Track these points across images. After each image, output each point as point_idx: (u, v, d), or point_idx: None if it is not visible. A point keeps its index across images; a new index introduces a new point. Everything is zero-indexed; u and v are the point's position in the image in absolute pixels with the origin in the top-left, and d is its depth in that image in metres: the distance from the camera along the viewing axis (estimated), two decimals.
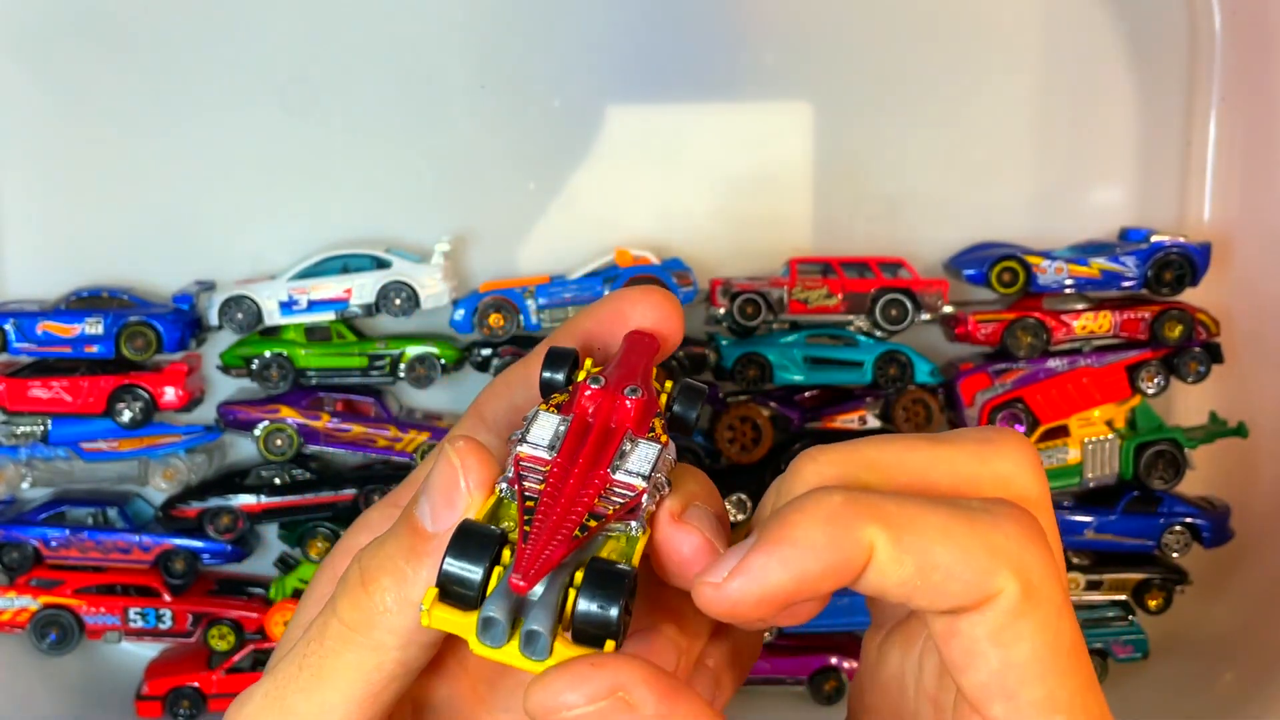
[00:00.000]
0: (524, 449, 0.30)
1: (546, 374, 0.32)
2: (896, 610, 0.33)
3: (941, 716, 0.31)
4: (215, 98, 0.86)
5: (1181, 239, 0.85)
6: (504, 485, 0.30)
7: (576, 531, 0.28)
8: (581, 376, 0.32)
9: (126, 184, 0.87)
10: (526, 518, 0.28)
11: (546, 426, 0.30)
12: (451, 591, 0.28)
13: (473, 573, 0.27)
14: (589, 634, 0.27)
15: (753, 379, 0.85)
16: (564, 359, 0.32)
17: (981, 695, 0.27)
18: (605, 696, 0.26)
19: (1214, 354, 0.87)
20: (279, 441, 0.86)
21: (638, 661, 0.27)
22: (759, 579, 0.27)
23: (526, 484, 0.29)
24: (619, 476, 0.29)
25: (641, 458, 0.30)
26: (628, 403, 0.30)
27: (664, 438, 0.31)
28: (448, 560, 0.28)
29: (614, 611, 0.27)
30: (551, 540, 0.28)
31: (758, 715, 0.85)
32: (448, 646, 0.33)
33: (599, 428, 0.30)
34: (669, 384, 0.33)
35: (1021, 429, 0.86)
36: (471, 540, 0.28)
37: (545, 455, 0.30)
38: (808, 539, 0.27)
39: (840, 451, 0.30)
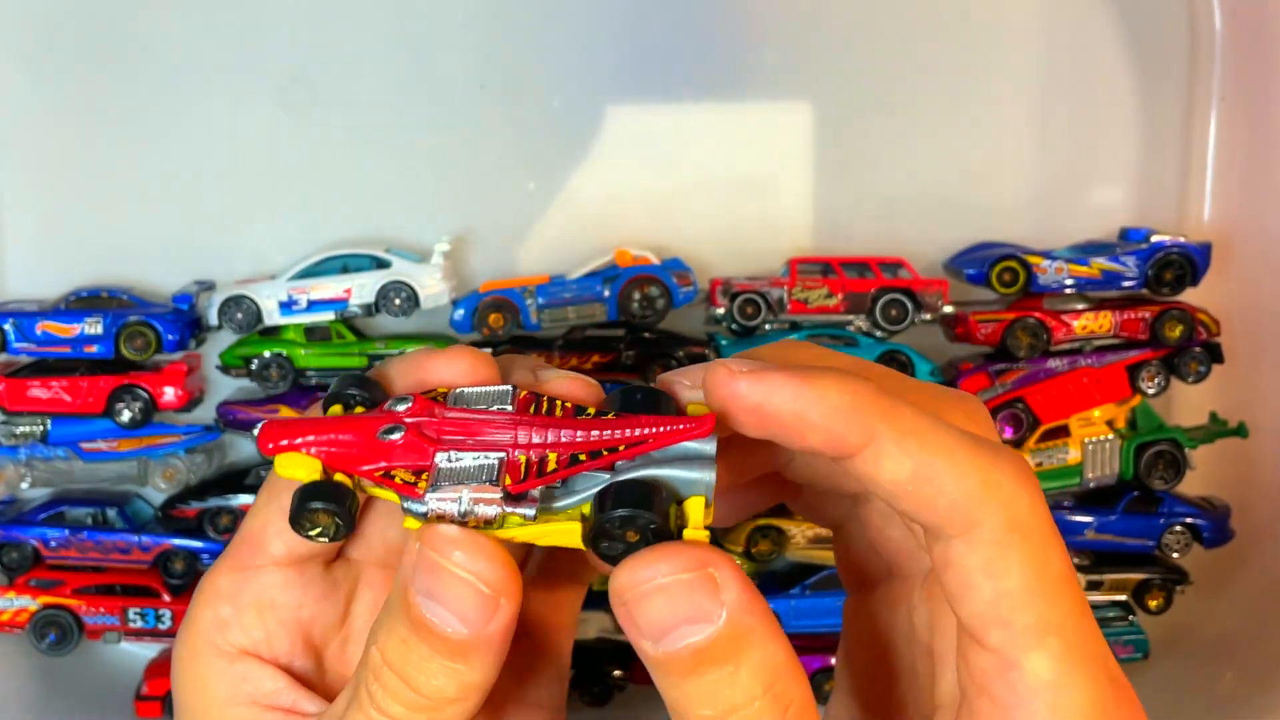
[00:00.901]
0: (454, 409, 0.31)
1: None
2: (874, 572, 0.35)
3: (940, 662, 0.32)
4: (215, 98, 0.86)
5: (1182, 239, 0.85)
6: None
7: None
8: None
9: (126, 184, 0.87)
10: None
11: (491, 395, 0.32)
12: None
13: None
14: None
15: None
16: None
17: (978, 624, 0.28)
18: (695, 569, 0.28)
19: (1214, 354, 0.87)
20: None
21: (725, 553, 0.28)
22: (766, 390, 0.29)
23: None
24: (436, 464, 0.30)
25: (466, 472, 0.30)
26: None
27: (522, 480, 0.31)
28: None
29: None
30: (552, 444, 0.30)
31: None
32: None
33: (500, 438, 0.31)
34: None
35: (1012, 432, 0.86)
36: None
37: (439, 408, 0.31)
38: (825, 395, 0.28)
39: (880, 405, 0.31)
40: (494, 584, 0.29)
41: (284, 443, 0.30)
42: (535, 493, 0.29)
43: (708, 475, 0.29)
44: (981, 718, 0.29)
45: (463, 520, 0.29)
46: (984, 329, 0.86)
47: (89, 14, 0.85)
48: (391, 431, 0.30)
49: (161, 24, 0.85)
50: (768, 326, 0.86)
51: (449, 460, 0.30)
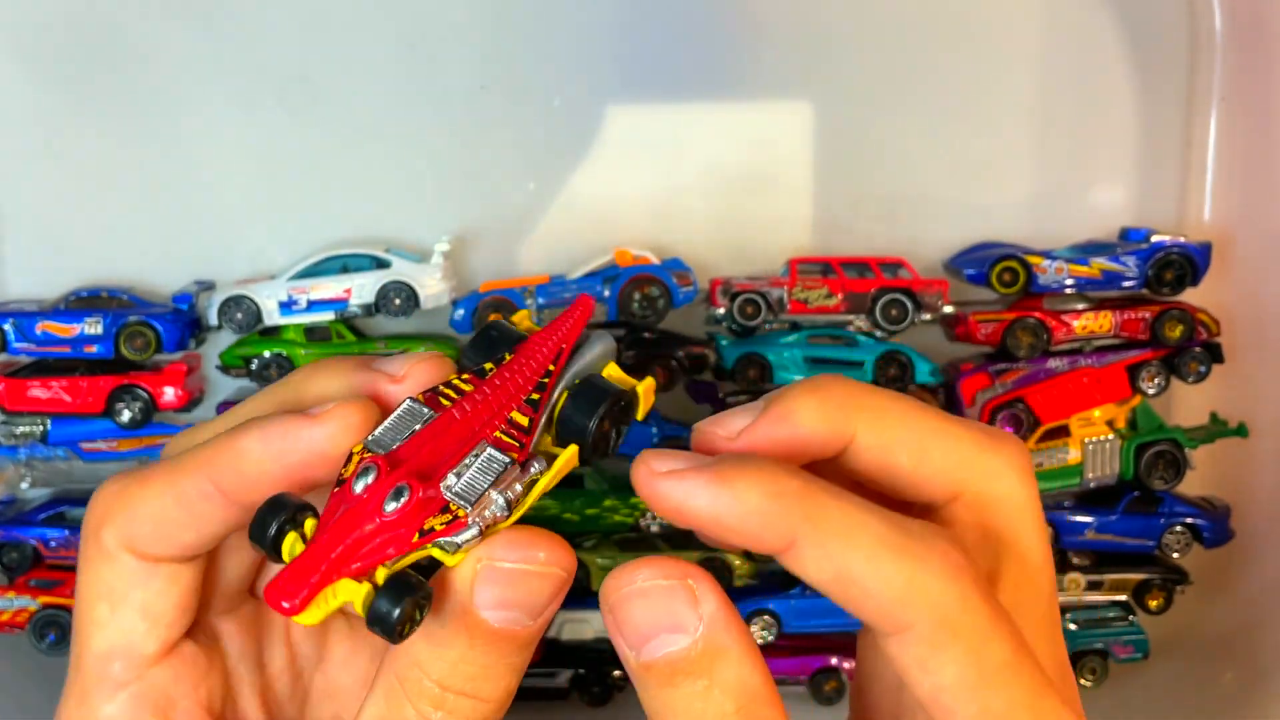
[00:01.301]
0: (366, 442, 0.30)
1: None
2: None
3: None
4: (215, 97, 0.86)
5: (1182, 239, 0.85)
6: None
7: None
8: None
9: (126, 184, 0.87)
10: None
11: (405, 421, 0.31)
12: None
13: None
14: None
15: (753, 379, 0.85)
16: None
17: (928, 707, 0.29)
18: (675, 578, 0.28)
19: (1214, 354, 0.87)
20: None
21: (706, 571, 0.29)
22: (682, 495, 0.29)
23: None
24: (449, 494, 0.29)
25: (478, 475, 0.30)
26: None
27: (525, 440, 0.31)
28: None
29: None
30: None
31: None
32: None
33: (457, 435, 0.30)
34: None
35: (1010, 430, 0.86)
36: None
37: (382, 453, 0.30)
38: (742, 499, 0.28)
39: (852, 392, 0.32)
40: (567, 565, 0.30)
41: (304, 593, 0.28)
42: (532, 448, 0.31)
43: (606, 342, 0.33)
44: None
45: (507, 513, 0.29)
46: (984, 329, 0.86)
47: (89, 14, 0.85)
48: (396, 500, 0.29)
49: (162, 24, 0.85)
50: (768, 326, 0.86)
51: (457, 480, 0.29)
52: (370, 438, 0.30)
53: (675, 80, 0.88)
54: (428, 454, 0.29)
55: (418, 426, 0.30)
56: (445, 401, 0.30)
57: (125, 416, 0.84)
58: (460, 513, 0.29)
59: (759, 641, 0.83)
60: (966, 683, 0.28)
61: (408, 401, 0.30)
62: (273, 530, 0.29)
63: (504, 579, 0.29)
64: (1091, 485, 0.86)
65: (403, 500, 0.28)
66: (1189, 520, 0.86)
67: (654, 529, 0.85)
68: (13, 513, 0.87)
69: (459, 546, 0.29)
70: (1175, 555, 0.87)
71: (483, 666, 0.30)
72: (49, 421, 0.84)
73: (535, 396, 0.31)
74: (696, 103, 0.88)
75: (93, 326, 0.83)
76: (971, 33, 0.88)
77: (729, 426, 0.32)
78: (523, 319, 0.33)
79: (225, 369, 0.86)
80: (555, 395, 0.32)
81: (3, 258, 0.87)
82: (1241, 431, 0.86)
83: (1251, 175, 0.87)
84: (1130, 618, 0.88)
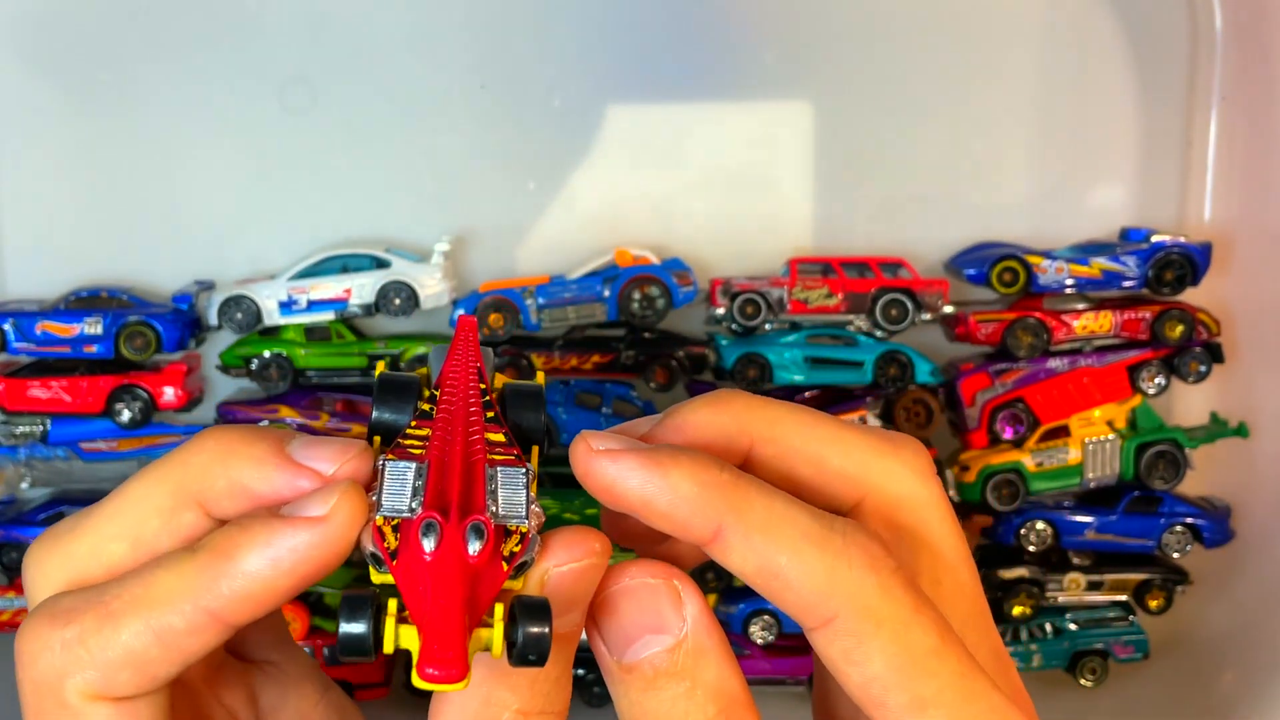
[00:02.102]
0: (384, 512, 0.28)
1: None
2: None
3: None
4: (215, 97, 0.86)
5: (1182, 239, 0.85)
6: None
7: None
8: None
9: (126, 184, 0.87)
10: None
11: (402, 479, 0.29)
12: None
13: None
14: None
15: (753, 379, 0.85)
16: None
17: (860, 701, 0.29)
18: (662, 578, 0.29)
19: (1215, 354, 0.87)
20: None
21: (689, 577, 0.30)
22: (616, 472, 0.29)
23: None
24: (498, 518, 0.29)
25: (512, 490, 0.29)
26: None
27: (517, 451, 0.30)
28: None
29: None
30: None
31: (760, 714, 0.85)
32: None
33: (456, 470, 0.29)
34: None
35: (1012, 432, 0.86)
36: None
37: (409, 514, 0.28)
38: (673, 485, 0.29)
39: (748, 404, 0.33)
40: (611, 548, 0.30)
41: (463, 661, 0.26)
42: (519, 455, 0.31)
43: (487, 353, 0.34)
44: None
45: (544, 518, 0.30)
46: (984, 329, 0.86)
47: (89, 14, 0.85)
48: (476, 535, 0.27)
49: (162, 24, 0.85)
50: (768, 326, 0.86)
51: (497, 505, 0.29)
52: (383, 510, 0.28)
53: (675, 80, 0.88)
54: (454, 494, 0.29)
55: (419, 481, 0.29)
56: (418, 450, 0.30)
57: (125, 416, 0.84)
58: (523, 529, 0.28)
59: (759, 641, 0.83)
60: (894, 671, 0.28)
61: (387, 463, 0.29)
62: (368, 633, 0.27)
63: (569, 583, 0.29)
64: (1091, 485, 0.86)
65: (484, 536, 0.27)
66: (1189, 520, 0.86)
67: None
68: (13, 513, 0.87)
69: (532, 563, 0.29)
70: (1175, 555, 0.87)
71: (554, 679, 0.30)
72: (49, 421, 0.84)
73: (491, 415, 0.31)
74: (696, 103, 0.88)
75: (93, 326, 0.83)
76: (971, 33, 0.88)
77: (629, 434, 0.32)
78: (404, 368, 0.34)
79: (225, 369, 0.86)
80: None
81: (3, 258, 0.87)
82: (1242, 431, 0.86)
83: (1252, 175, 0.87)
84: (1130, 618, 0.88)
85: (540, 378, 0.33)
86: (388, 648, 0.27)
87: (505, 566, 0.28)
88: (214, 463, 0.30)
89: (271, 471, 0.29)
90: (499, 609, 0.27)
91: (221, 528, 0.29)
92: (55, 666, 0.28)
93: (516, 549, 0.28)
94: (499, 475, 0.29)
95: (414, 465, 0.29)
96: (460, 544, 0.27)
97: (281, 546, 0.28)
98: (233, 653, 0.35)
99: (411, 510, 0.28)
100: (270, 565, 0.28)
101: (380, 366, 0.33)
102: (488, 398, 0.31)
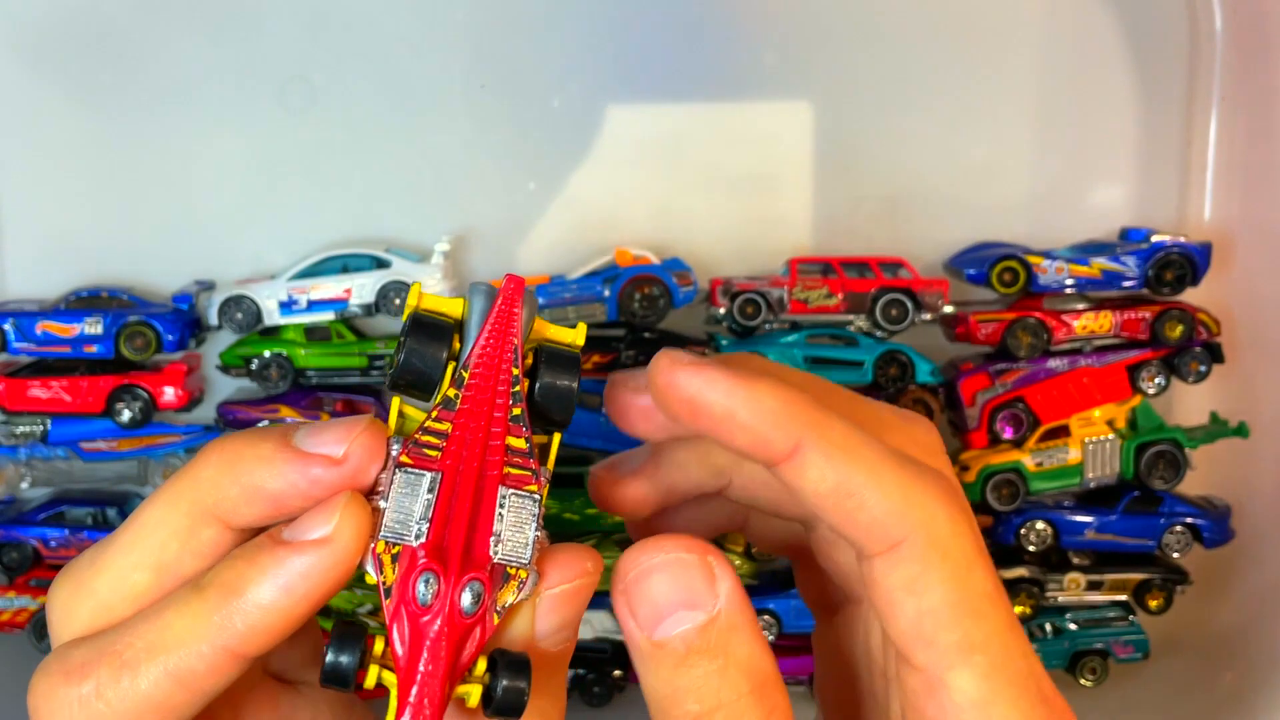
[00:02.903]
0: (386, 535, 0.28)
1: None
2: (832, 597, 0.35)
3: (891, 685, 0.32)
4: (215, 97, 0.86)
5: (1182, 239, 0.85)
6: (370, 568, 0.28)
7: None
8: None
9: (126, 184, 0.87)
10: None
11: (412, 491, 0.28)
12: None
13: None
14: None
15: None
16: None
17: (906, 642, 0.29)
18: (696, 553, 0.29)
19: (1215, 354, 0.87)
20: None
21: (721, 552, 0.29)
22: (702, 382, 0.29)
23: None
24: (499, 558, 0.28)
25: (518, 528, 0.29)
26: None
27: (535, 465, 0.29)
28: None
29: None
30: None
31: None
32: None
33: (469, 488, 0.29)
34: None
35: (1012, 432, 0.86)
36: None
37: (413, 541, 0.28)
38: (757, 398, 0.29)
39: (771, 366, 0.33)
40: (602, 567, 0.30)
41: (430, 712, 0.27)
42: (539, 466, 0.30)
43: (529, 303, 0.31)
44: None
45: (548, 541, 0.29)
46: (984, 329, 0.86)
47: (89, 14, 0.85)
48: (473, 596, 0.28)
49: (162, 24, 0.85)
50: (768, 326, 0.86)
51: (501, 545, 0.29)
52: (387, 531, 0.28)
53: (675, 80, 0.88)
54: (458, 527, 0.28)
55: (428, 497, 0.28)
56: (433, 452, 0.29)
57: (125, 416, 0.84)
58: (522, 574, 0.28)
59: None
60: (950, 606, 0.28)
61: (400, 474, 0.28)
62: (352, 669, 0.27)
63: (560, 604, 0.29)
64: (1091, 485, 0.86)
65: (479, 600, 0.28)
66: (1189, 520, 0.86)
67: None
68: (13, 513, 0.87)
69: (526, 598, 0.29)
70: (1175, 555, 0.87)
71: (550, 695, 0.30)
72: (49, 421, 0.84)
73: (518, 412, 0.30)
74: (696, 103, 0.88)
75: (93, 326, 0.83)
76: (972, 33, 0.88)
77: (637, 381, 0.33)
78: (434, 301, 0.31)
79: (225, 369, 0.86)
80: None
81: (3, 258, 0.87)
82: (1242, 431, 0.86)
83: (1252, 175, 0.87)
84: (1130, 618, 0.88)
85: (581, 332, 0.32)
86: (368, 684, 0.27)
87: (496, 620, 0.28)
88: (222, 472, 0.29)
89: (281, 466, 0.28)
90: (481, 662, 0.28)
91: (225, 559, 0.28)
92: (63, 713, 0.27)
93: (511, 598, 0.28)
94: (508, 504, 0.29)
95: (427, 477, 0.28)
96: (455, 605, 0.27)
97: (291, 573, 0.27)
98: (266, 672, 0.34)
99: (416, 536, 0.28)
100: (282, 593, 0.27)
101: (415, 296, 0.31)
102: (517, 387, 0.30)
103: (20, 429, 0.85)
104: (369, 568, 0.28)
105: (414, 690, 0.27)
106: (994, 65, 0.89)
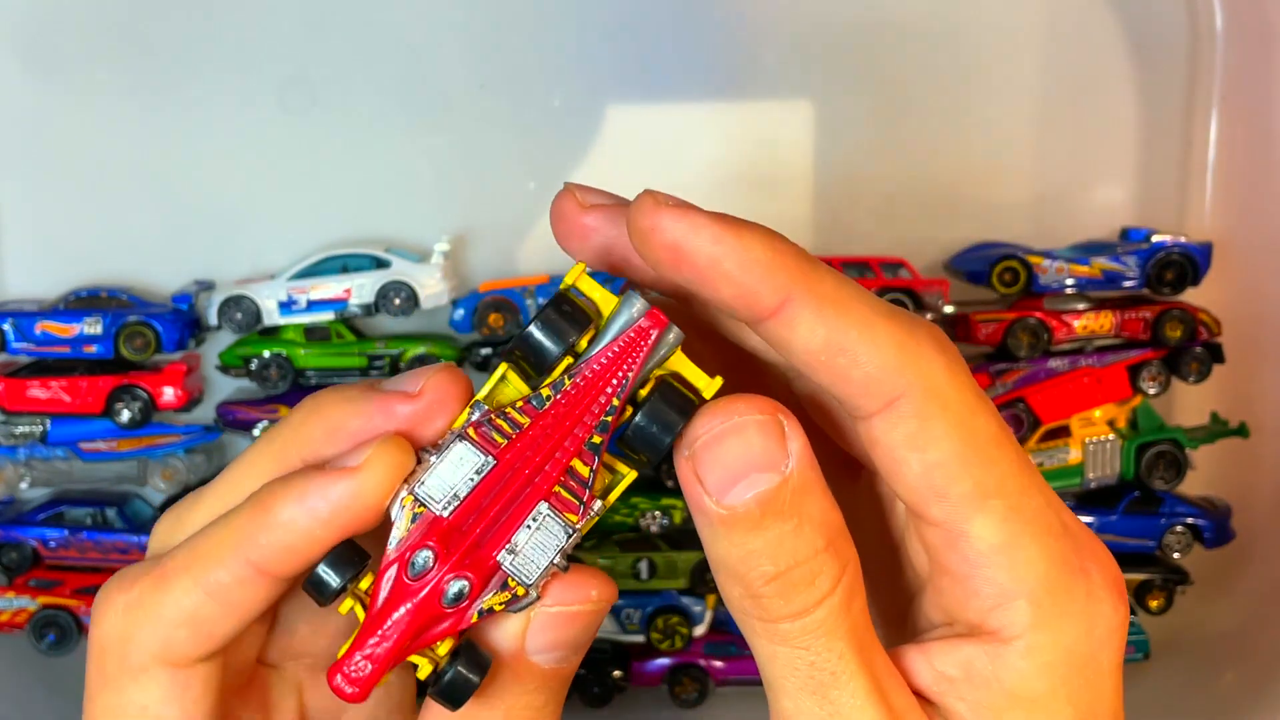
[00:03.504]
0: (418, 492, 0.28)
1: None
2: (836, 459, 0.33)
3: (907, 540, 0.31)
4: (215, 97, 0.86)
5: (1182, 239, 0.85)
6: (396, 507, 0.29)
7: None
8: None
9: (126, 184, 0.87)
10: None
11: (459, 469, 0.29)
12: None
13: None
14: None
15: None
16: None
17: (917, 499, 0.28)
18: (769, 413, 0.27)
19: (1215, 354, 0.87)
20: None
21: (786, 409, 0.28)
22: (687, 228, 0.27)
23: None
24: (506, 567, 0.29)
25: (538, 549, 0.29)
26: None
27: (587, 498, 0.29)
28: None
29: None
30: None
31: (760, 715, 0.85)
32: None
33: (512, 489, 0.29)
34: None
35: (1017, 429, 0.86)
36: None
37: (438, 511, 0.28)
38: (746, 247, 0.27)
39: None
40: (613, 597, 0.29)
41: (369, 686, 0.28)
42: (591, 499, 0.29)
43: (672, 334, 0.29)
44: (945, 593, 0.29)
45: (565, 568, 0.29)
46: (985, 329, 0.86)
47: (89, 14, 0.85)
48: (454, 591, 0.28)
49: (162, 24, 0.85)
50: None
51: (513, 556, 0.28)
52: (422, 488, 0.28)
53: (675, 80, 0.88)
54: (483, 520, 0.28)
55: (473, 477, 0.28)
56: (499, 439, 0.29)
57: (125, 416, 0.84)
58: (520, 590, 0.28)
59: None
60: (957, 457, 0.27)
61: (460, 444, 0.28)
62: (335, 587, 0.28)
63: (557, 623, 0.29)
64: (1092, 485, 0.86)
65: (463, 598, 0.28)
66: (1190, 520, 0.86)
67: (654, 529, 0.85)
68: (12, 513, 0.87)
69: (526, 606, 0.29)
70: (1176, 555, 0.87)
71: (536, 710, 0.29)
72: (48, 421, 0.84)
73: (597, 440, 0.29)
74: (696, 103, 0.88)
75: (92, 326, 0.83)
76: (972, 33, 0.88)
77: (589, 197, 0.31)
78: (590, 288, 0.30)
79: (225, 369, 0.86)
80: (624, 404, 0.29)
81: (3, 258, 0.87)
82: (1242, 431, 0.86)
83: (1252, 175, 0.87)
84: (1130, 618, 0.88)
85: (716, 384, 0.29)
86: (341, 609, 0.28)
87: (475, 618, 0.28)
88: (310, 415, 0.30)
89: (361, 405, 0.29)
90: (448, 644, 0.28)
91: (267, 483, 0.29)
92: (118, 628, 0.29)
93: (499, 606, 0.28)
94: (541, 523, 0.28)
95: (481, 460, 0.28)
96: (439, 589, 0.28)
97: (317, 497, 0.28)
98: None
99: (443, 508, 0.28)
100: (306, 515, 0.28)
101: (574, 274, 0.29)
102: (609, 417, 0.29)
103: (20, 429, 0.84)
104: (394, 512, 0.28)
105: (375, 635, 0.28)
106: (994, 65, 0.89)
